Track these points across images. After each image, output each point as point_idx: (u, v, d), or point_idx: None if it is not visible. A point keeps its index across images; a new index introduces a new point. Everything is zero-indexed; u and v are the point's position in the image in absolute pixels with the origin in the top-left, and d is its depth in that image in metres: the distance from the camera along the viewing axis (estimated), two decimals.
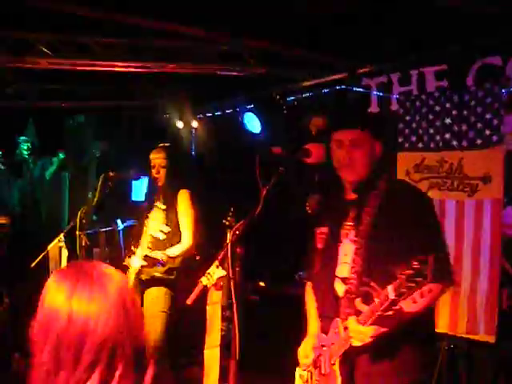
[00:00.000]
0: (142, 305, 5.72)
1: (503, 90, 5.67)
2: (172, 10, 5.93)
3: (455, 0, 5.34)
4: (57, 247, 5.76)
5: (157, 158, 5.90)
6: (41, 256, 5.81)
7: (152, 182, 6.03)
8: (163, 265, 5.55)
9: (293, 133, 7.58)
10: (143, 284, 5.72)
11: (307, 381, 3.67)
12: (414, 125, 6.36)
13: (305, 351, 3.70)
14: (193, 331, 5.84)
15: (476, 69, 5.89)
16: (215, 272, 3.11)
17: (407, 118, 6.42)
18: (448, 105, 6.06)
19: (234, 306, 3.05)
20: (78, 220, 5.70)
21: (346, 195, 3.64)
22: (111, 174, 5.94)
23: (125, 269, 5.98)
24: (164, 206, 5.59)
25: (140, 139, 8.90)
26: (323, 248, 3.68)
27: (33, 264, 5.78)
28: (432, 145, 6.22)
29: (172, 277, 5.75)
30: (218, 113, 9.42)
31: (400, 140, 6.46)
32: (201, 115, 9.64)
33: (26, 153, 11.11)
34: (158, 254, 5.54)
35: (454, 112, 6.01)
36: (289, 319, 6.90)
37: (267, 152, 3.44)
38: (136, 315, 1.82)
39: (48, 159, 11.34)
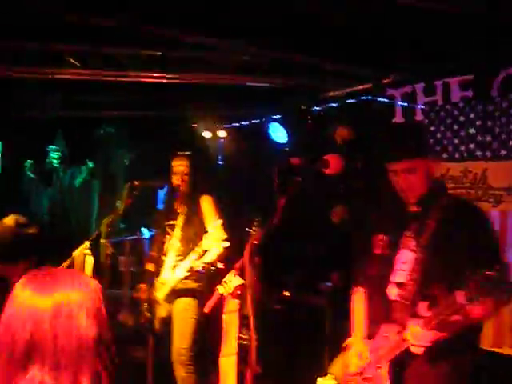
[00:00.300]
0: (171, 311, 5.81)
1: None
2: (199, 21, 5.99)
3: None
4: (82, 254, 5.81)
5: (179, 166, 5.95)
6: (66, 263, 5.86)
7: (173, 189, 6.07)
8: (205, 273, 5.63)
9: (317, 143, 7.59)
10: (174, 294, 5.79)
11: None
12: (438, 135, 6.35)
13: (360, 352, 3.72)
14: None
15: (501, 79, 5.87)
16: (232, 280, 3.14)
17: (432, 128, 6.42)
18: (472, 115, 6.05)
19: (251, 314, 3.08)
20: (102, 228, 5.75)
21: (409, 207, 3.71)
22: (136, 182, 5.98)
23: (147, 275, 6.06)
24: (196, 258, 5.61)
25: (167, 149, 8.93)
26: (381, 254, 3.74)
27: None
28: (456, 155, 6.21)
29: (201, 284, 5.80)
30: (245, 123, 9.46)
31: None
32: (228, 125, 9.68)
33: (55, 162, 11.26)
34: (199, 266, 5.59)
35: (478, 122, 6.00)
36: (312, 329, 6.94)
37: (286, 162, 3.44)
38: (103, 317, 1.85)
39: (77, 168, 11.48)
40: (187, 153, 6.09)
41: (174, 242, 5.87)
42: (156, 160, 9.69)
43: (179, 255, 5.75)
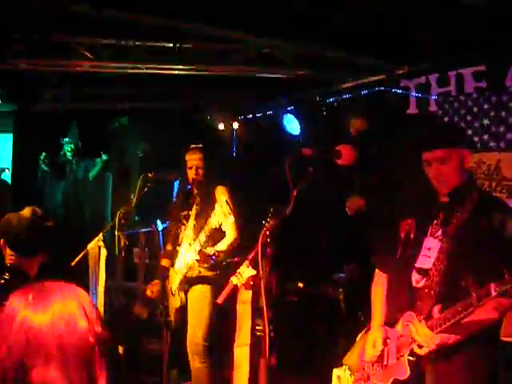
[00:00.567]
0: (186, 302, 5.81)
1: None
2: (213, 13, 5.99)
3: None
4: (96, 247, 5.84)
5: (193, 160, 5.96)
6: (81, 255, 5.90)
7: (189, 182, 6.08)
8: (215, 261, 5.63)
9: (331, 134, 7.59)
10: (189, 282, 5.79)
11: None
12: None
13: (373, 341, 3.71)
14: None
15: None
16: (245, 271, 3.15)
17: (445, 119, 6.41)
18: (486, 106, 6.04)
19: (264, 305, 3.08)
20: (116, 220, 5.77)
21: (439, 198, 3.69)
22: (150, 175, 6.00)
23: (161, 271, 6.07)
24: (204, 240, 5.63)
25: (182, 140, 8.94)
26: (406, 238, 3.73)
27: (73, 263, 5.88)
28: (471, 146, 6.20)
29: (216, 273, 5.81)
30: (259, 114, 9.45)
31: None
32: (242, 117, 9.68)
33: (69, 154, 11.29)
34: (211, 250, 5.61)
35: (492, 113, 5.99)
36: (327, 320, 6.95)
37: (298, 153, 3.43)
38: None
39: (91, 161, 11.51)
40: (200, 145, 6.09)
41: (188, 232, 5.88)
42: (170, 152, 9.72)
43: (192, 244, 5.77)
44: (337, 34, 6.38)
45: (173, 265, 5.94)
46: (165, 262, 6.04)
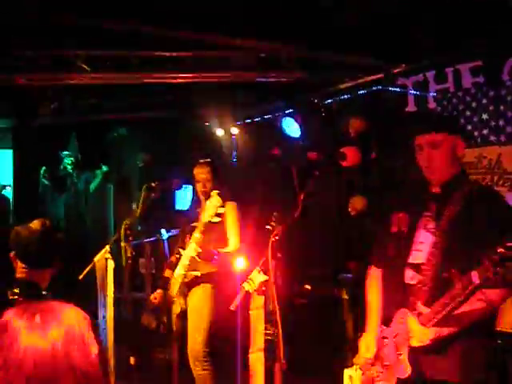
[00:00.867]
0: (186, 307, 5.83)
1: None
2: (209, 20, 6.01)
3: None
4: (103, 259, 5.85)
5: (201, 173, 6.00)
6: (88, 268, 5.91)
7: (197, 195, 6.13)
8: (215, 260, 5.66)
9: (330, 136, 7.60)
10: (188, 285, 5.81)
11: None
12: None
13: (366, 344, 3.70)
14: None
15: (511, 63, 5.87)
16: (256, 277, 3.16)
17: (444, 115, 6.42)
18: (485, 100, 6.06)
19: (277, 309, 3.09)
20: (122, 231, 5.78)
21: (431, 188, 3.66)
22: (154, 184, 6.02)
23: (163, 281, 6.08)
24: (199, 236, 5.66)
25: (181, 149, 9.00)
26: (398, 233, 3.70)
27: (80, 276, 5.89)
28: (470, 141, 6.21)
29: (215, 276, 5.83)
30: (257, 119, 9.47)
31: None
32: (240, 122, 9.69)
33: (69, 167, 11.29)
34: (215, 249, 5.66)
35: (490, 107, 6.01)
36: (335, 321, 6.95)
37: (304, 157, 3.46)
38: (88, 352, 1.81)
39: (91, 173, 11.51)
40: (208, 160, 6.14)
41: (191, 244, 5.88)
42: (169, 161, 9.74)
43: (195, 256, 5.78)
44: (333, 34, 6.40)
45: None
46: (168, 273, 6.04)
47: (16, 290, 3.48)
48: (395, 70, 6.98)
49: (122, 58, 7.08)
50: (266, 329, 3.72)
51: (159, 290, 6.05)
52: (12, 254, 3.63)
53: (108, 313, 5.73)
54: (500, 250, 2.82)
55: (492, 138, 6.01)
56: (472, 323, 3.30)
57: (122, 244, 5.76)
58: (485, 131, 6.06)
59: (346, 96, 7.77)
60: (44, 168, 11.31)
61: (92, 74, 7.15)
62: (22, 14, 5.89)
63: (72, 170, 11.30)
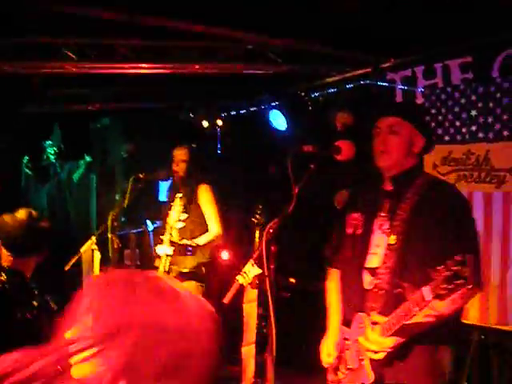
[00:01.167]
0: None
1: None
2: (196, 10, 5.96)
3: None
4: (89, 250, 5.81)
5: (179, 155, 6.03)
6: (74, 259, 5.87)
7: (173, 179, 6.11)
8: (192, 253, 5.59)
9: (317, 129, 7.58)
10: (179, 277, 5.77)
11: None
12: (439, 118, 6.36)
13: (327, 349, 3.67)
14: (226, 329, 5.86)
15: (501, 60, 5.87)
16: (250, 270, 3.14)
17: (433, 111, 6.42)
18: (473, 97, 6.06)
19: (270, 304, 3.07)
20: (109, 222, 5.75)
21: (384, 186, 3.62)
22: (141, 175, 6.00)
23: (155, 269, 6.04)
24: (180, 195, 5.64)
25: (166, 140, 8.93)
26: (353, 234, 3.65)
27: (67, 267, 5.85)
28: (458, 137, 6.22)
29: (201, 272, 5.79)
30: (243, 111, 9.44)
31: None
32: (226, 114, 9.66)
33: (52, 157, 11.20)
34: (186, 242, 5.59)
35: (479, 104, 6.01)
36: (319, 315, 6.95)
37: (298, 150, 3.41)
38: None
39: (75, 163, 11.43)
40: (188, 144, 6.13)
41: (169, 227, 5.80)
42: (154, 152, 9.69)
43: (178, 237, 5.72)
44: (322, 28, 6.37)
45: None
46: (158, 263, 6.01)
47: (2, 278, 3.49)
48: (383, 65, 6.96)
49: (108, 47, 7.01)
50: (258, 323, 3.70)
51: None
52: None
53: None
54: (452, 265, 2.75)
55: (480, 134, 6.01)
56: (426, 332, 3.27)
57: (109, 235, 5.73)
58: (473, 128, 6.06)
59: (333, 90, 7.74)
60: (27, 158, 11.21)
61: (78, 63, 7.08)
62: (7, 0, 5.82)
63: (55, 160, 11.22)
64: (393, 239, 3.40)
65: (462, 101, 6.15)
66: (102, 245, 6.07)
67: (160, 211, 6.71)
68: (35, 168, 11.24)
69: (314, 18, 6.10)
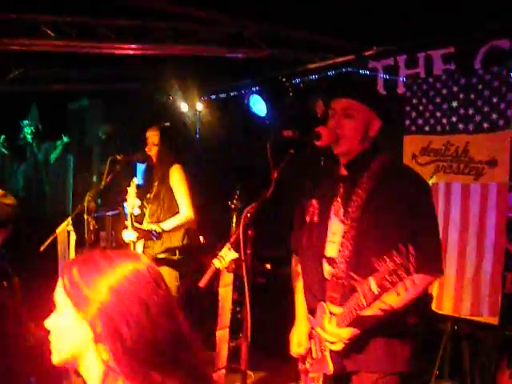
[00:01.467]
0: None
1: (511, 74, 5.65)
2: None
3: None
4: (65, 231, 5.75)
5: (150, 136, 5.94)
6: (49, 240, 5.80)
7: (148, 161, 6.06)
8: (158, 237, 5.50)
9: (299, 115, 7.55)
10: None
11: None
12: (420, 108, 6.36)
13: (298, 339, 3.60)
14: (200, 314, 5.85)
15: (483, 52, 5.87)
16: (227, 254, 3.10)
17: (414, 101, 6.42)
18: (455, 88, 6.05)
19: (246, 288, 3.04)
20: (85, 204, 5.68)
21: (339, 170, 3.52)
22: (119, 157, 5.92)
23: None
24: (137, 182, 5.59)
25: (145, 122, 8.88)
26: (311, 222, 3.58)
27: (41, 248, 5.78)
28: (438, 128, 6.22)
29: (175, 257, 5.73)
30: (223, 95, 9.39)
31: (407, 123, 6.46)
32: (206, 97, 9.61)
33: (29, 137, 11.11)
34: (151, 226, 5.51)
35: (461, 95, 6.01)
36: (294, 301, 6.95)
37: (278, 134, 3.36)
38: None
39: (52, 143, 11.34)
40: (163, 124, 6.07)
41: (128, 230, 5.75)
42: (132, 133, 9.62)
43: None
44: (305, 14, 6.34)
45: None
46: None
47: None
48: (366, 53, 6.95)
49: (88, 25, 6.92)
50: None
51: None
52: None
53: None
54: (396, 257, 2.68)
55: (460, 126, 6.01)
56: (383, 324, 3.23)
57: (85, 216, 5.66)
58: (454, 119, 6.06)
59: (314, 76, 7.71)
60: (3, 137, 11.11)
61: (53, 41, 6.97)
62: None
63: (32, 140, 11.12)
64: (347, 227, 3.34)
65: (444, 91, 6.15)
66: (78, 226, 6.00)
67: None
68: (11, 147, 11.14)
69: (299, 4, 6.06)
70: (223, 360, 3.75)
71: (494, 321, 5.71)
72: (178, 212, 5.72)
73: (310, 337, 3.50)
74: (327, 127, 3.45)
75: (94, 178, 6.08)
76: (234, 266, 3.17)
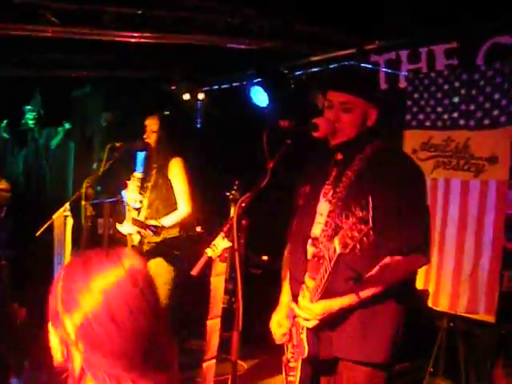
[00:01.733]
0: None
1: None
2: None
3: None
4: (62, 216, 5.76)
5: (150, 124, 5.91)
6: (46, 225, 5.81)
7: (147, 150, 6.03)
8: (155, 232, 5.49)
9: (300, 107, 7.53)
10: (144, 255, 5.69)
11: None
12: (422, 103, 6.34)
13: (278, 321, 3.62)
14: (193, 303, 5.84)
15: (486, 48, 5.84)
16: (220, 243, 3.09)
17: (415, 95, 6.40)
18: (457, 84, 6.03)
19: (239, 278, 3.03)
20: (83, 190, 5.68)
21: (335, 155, 3.50)
22: (118, 144, 5.91)
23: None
24: (140, 176, 5.57)
25: (146, 110, 8.86)
26: (303, 206, 3.59)
27: (38, 233, 5.79)
28: (439, 123, 6.20)
29: (168, 247, 5.72)
30: (225, 86, 9.38)
31: (408, 118, 6.45)
32: (208, 88, 9.60)
33: (31, 122, 11.07)
34: (151, 222, 5.50)
35: (462, 91, 5.98)
36: None
37: (275, 125, 3.34)
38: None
39: (53, 129, 11.31)
40: (163, 113, 6.05)
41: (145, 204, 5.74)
42: (134, 121, 9.60)
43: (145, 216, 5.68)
44: (308, 7, 6.32)
45: None
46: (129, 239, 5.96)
47: None
48: (368, 47, 6.92)
49: (92, 13, 6.90)
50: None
51: None
52: None
53: None
54: (357, 211, 2.65)
55: (461, 121, 5.99)
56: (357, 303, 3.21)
57: (83, 203, 5.66)
58: (455, 114, 6.04)
59: (316, 69, 7.69)
60: (5, 121, 11.09)
61: (57, 27, 6.95)
62: None
63: (34, 126, 11.09)
64: (332, 206, 3.32)
65: (445, 87, 6.13)
66: (76, 212, 6.01)
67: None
68: (13, 132, 11.11)
69: None
70: (213, 350, 3.75)
71: (491, 319, 5.70)
72: (175, 203, 5.72)
73: (293, 323, 3.49)
74: (324, 118, 3.43)
75: (95, 166, 6.06)
76: (226, 255, 3.16)
